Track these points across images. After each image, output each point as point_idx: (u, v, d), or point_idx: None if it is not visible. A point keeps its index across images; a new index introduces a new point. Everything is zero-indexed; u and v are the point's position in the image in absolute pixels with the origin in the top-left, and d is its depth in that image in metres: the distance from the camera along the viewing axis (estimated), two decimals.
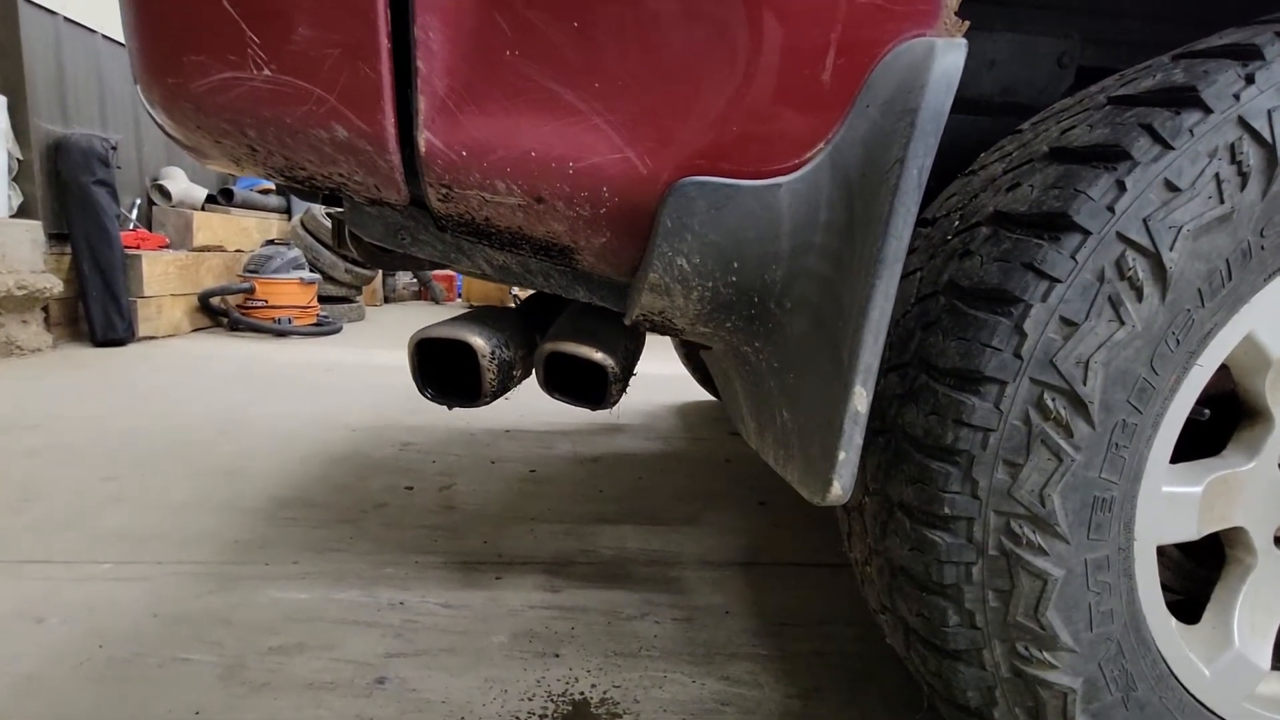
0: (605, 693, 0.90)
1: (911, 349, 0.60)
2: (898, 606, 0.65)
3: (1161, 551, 0.61)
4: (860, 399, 0.52)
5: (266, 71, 0.52)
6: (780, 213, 0.53)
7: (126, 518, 1.34)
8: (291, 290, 3.76)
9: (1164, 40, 0.88)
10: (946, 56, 0.48)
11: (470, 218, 0.60)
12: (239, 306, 3.71)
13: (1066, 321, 0.52)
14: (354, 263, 4.39)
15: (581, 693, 0.89)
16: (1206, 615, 0.64)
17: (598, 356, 0.69)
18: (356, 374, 2.88)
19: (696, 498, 1.61)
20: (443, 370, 0.72)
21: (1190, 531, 0.60)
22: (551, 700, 0.88)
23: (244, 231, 4.18)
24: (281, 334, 3.66)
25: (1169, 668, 0.61)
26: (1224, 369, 0.59)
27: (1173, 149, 0.51)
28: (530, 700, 0.88)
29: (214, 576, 1.14)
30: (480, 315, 0.75)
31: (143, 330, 3.24)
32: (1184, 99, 0.52)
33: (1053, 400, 0.53)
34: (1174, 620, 0.62)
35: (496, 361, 0.68)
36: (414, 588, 1.14)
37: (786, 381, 0.60)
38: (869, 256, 0.50)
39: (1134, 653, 0.59)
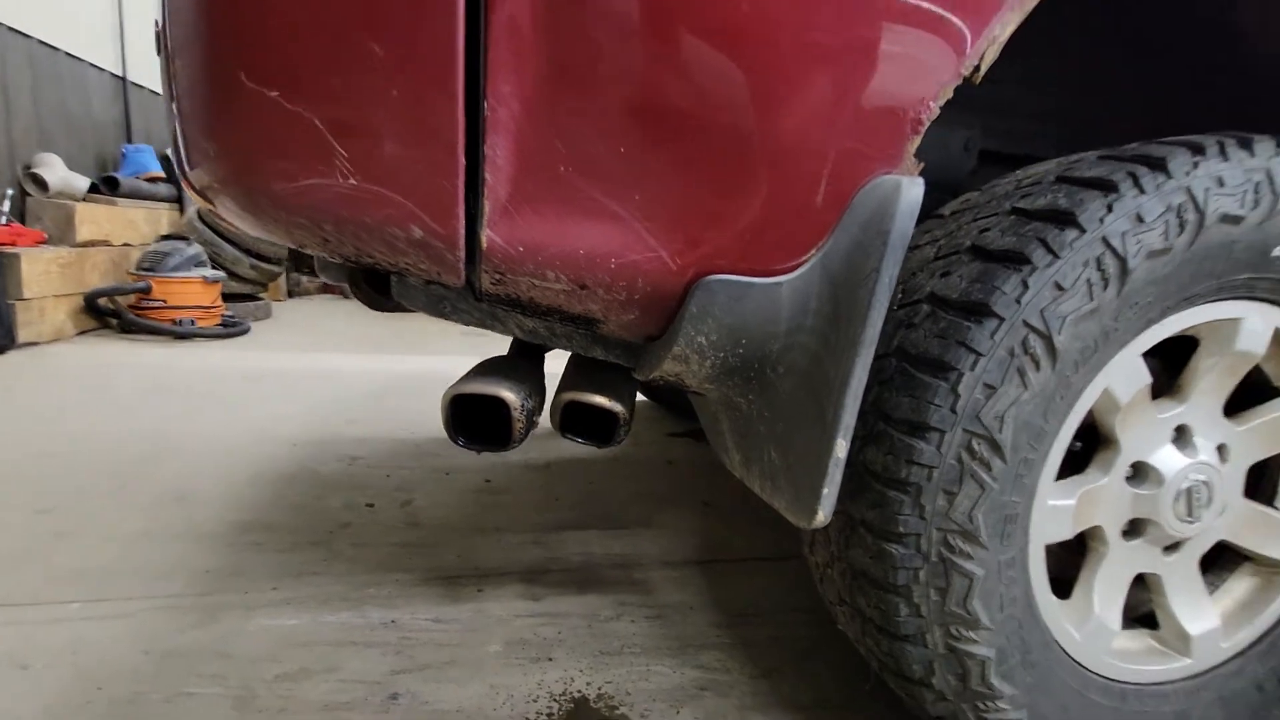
0: (600, 689, 1.02)
1: (870, 399, 0.76)
2: (857, 601, 0.81)
3: (1046, 547, 0.81)
4: (841, 448, 0.67)
5: (352, 180, 0.59)
6: (781, 303, 0.67)
7: (80, 553, 1.30)
8: (194, 290, 3.54)
9: (1045, 132, 1.10)
10: (911, 190, 0.63)
11: (515, 296, 0.70)
12: (133, 307, 3.45)
13: (988, 386, 0.69)
14: (259, 258, 4.17)
15: (579, 690, 1.01)
16: (1075, 592, 0.85)
17: (611, 405, 0.80)
18: (280, 382, 2.78)
19: (647, 500, 1.75)
20: (470, 418, 0.81)
21: (1067, 532, 0.80)
22: (554, 700, 0.99)
23: (132, 224, 3.86)
24: (183, 336, 3.44)
25: (1052, 634, 0.81)
26: (1089, 411, 0.79)
27: (1059, 258, 0.69)
28: (535, 702, 0.98)
29: (195, 609, 1.15)
30: (499, 366, 0.84)
31: (23, 336, 2.95)
32: (1066, 220, 0.70)
33: (978, 445, 0.70)
34: (1054, 597, 0.83)
35: (525, 412, 0.78)
36: (401, 606, 1.20)
37: (776, 429, 0.75)
38: (852, 339, 0.65)
39: (1029, 625, 0.78)
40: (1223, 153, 0.73)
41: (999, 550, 0.73)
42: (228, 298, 4.02)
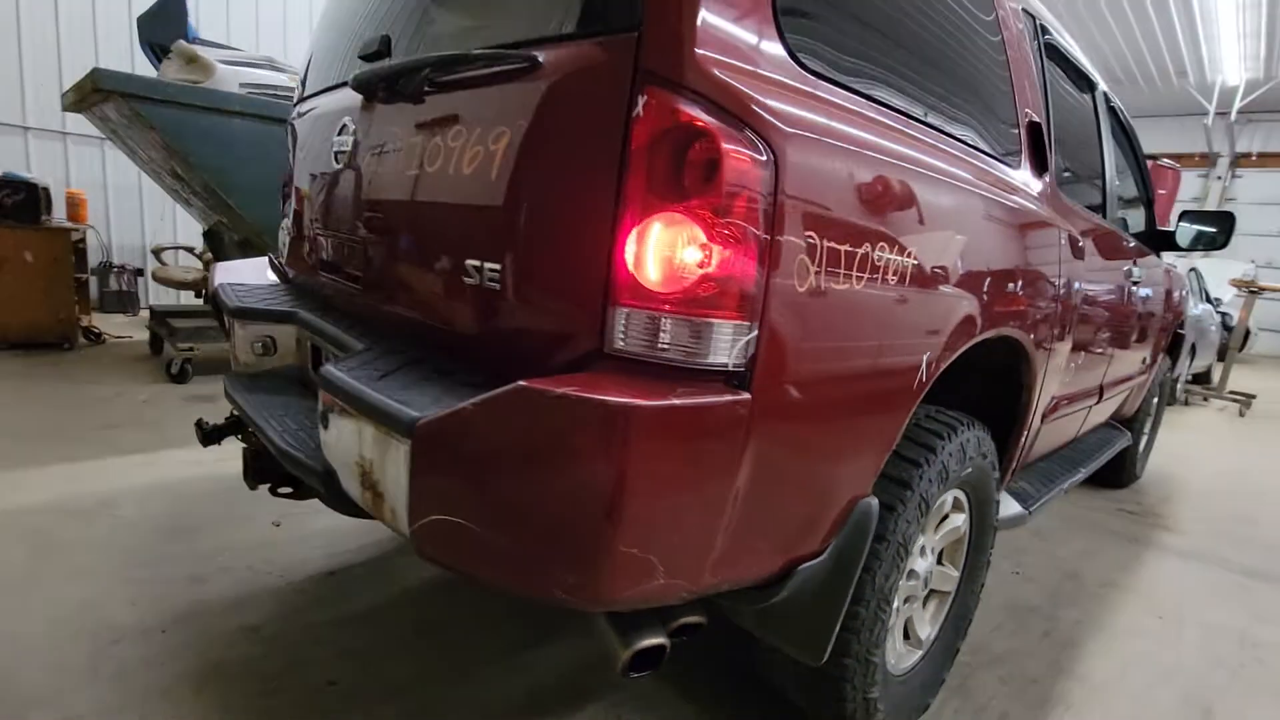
0: None
1: None
2: (816, 685, 1.49)
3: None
4: (839, 623, 1.33)
5: (663, 581, 0.98)
6: (817, 568, 1.28)
7: None
8: None
9: None
10: (874, 505, 1.30)
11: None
12: None
13: (886, 574, 1.42)
14: None
15: None
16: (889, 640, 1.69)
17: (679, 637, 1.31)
18: (31, 537, 2.22)
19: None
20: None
21: (894, 619, 1.61)
22: None
23: None
24: None
25: (889, 669, 1.62)
26: None
27: (907, 506, 1.45)
28: None
29: None
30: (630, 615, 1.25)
31: None
32: (906, 485, 1.46)
33: (882, 604, 1.42)
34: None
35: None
36: None
37: (790, 634, 1.36)
38: (849, 579, 1.30)
39: (885, 671, 1.57)
40: (949, 436, 1.57)
41: (881, 648, 1.49)
42: None
